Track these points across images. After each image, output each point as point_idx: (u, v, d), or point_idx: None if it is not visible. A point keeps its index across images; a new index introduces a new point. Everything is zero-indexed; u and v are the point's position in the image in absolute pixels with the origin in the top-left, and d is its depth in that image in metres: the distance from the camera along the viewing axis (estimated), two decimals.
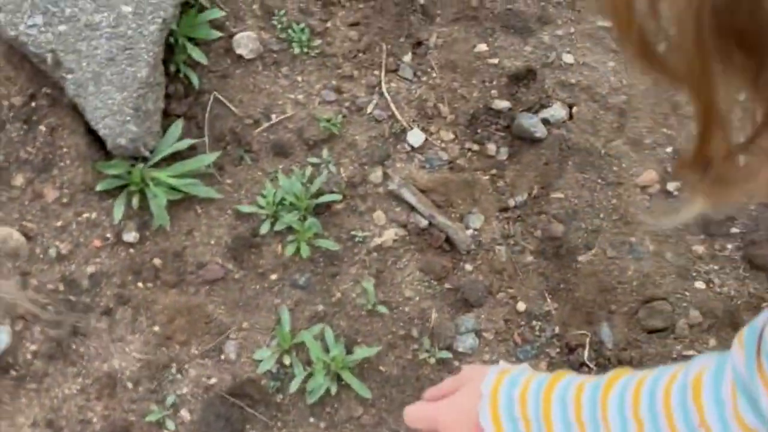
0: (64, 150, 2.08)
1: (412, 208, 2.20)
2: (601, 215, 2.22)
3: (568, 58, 2.40)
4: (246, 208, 2.13)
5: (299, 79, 2.31)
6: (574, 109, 2.33)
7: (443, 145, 2.29)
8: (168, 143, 2.12)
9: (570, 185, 2.25)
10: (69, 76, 2.03)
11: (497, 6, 2.45)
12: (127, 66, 2.05)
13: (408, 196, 2.20)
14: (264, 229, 2.12)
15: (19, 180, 2.04)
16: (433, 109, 2.32)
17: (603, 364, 2.07)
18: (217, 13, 2.25)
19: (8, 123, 2.07)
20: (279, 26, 2.33)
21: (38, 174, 2.05)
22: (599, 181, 2.25)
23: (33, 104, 2.10)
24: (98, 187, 2.06)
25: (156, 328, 1.99)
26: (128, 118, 2.03)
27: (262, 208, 2.14)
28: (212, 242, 2.10)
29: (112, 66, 2.04)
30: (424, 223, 2.18)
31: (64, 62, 2.03)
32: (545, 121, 2.30)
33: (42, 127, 2.08)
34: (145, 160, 2.09)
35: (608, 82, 2.36)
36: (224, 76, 2.26)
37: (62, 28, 2.04)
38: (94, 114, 2.03)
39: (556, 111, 2.32)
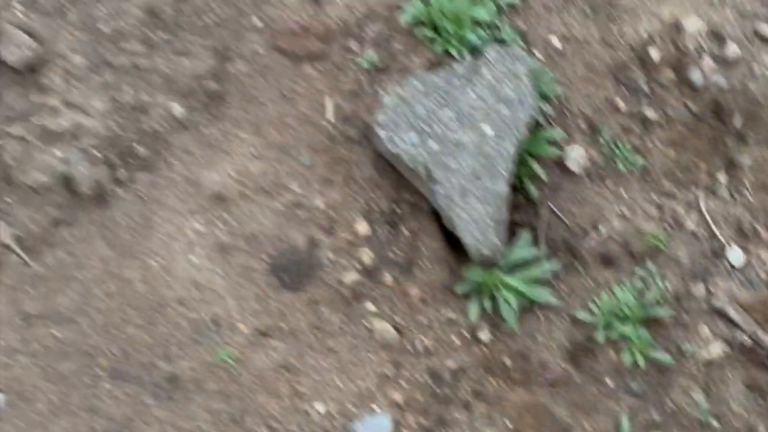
0: (425, 252, 2.32)
1: (735, 325, 2.33)
2: None
3: None
4: (582, 315, 2.32)
5: (623, 193, 2.49)
6: None
7: (763, 265, 2.42)
8: (516, 251, 2.33)
9: None
10: (439, 188, 2.27)
11: None
12: (488, 182, 2.28)
13: (731, 313, 2.34)
14: (599, 336, 2.29)
15: (388, 278, 2.29)
16: (751, 228, 2.46)
17: None
18: (554, 132, 2.47)
19: (377, 226, 2.33)
20: (604, 143, 2.53)
21: (403, 273, 2.30)
22: None
23: (398, 210, 2.35)
24: (457, 289, 2.29)
25: (508, 423, 2.19)
26: (490, 229, 2.25)
27: (596, 316, 2.32)
28: (553, 345, 2.29)
29: (476, 181, 2.28)
30: (747, 340, 2.31)
31: (435, 175, 2.27)
32: None
33: (406, 231, 2.34)
34: (496, 265, 2.31)
35: None
36: (556, 189, 2.47)
37: (434, 145, 2.30)
38: (460, 223, 2.26)
39: None
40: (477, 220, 2.26)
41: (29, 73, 2.25)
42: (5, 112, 2.21)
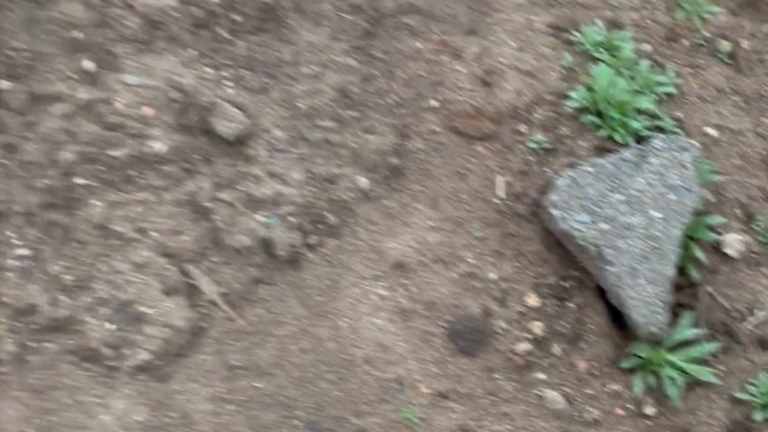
0: (591, 327, 2.46)
1: None
2: None
3: None
4: (740, 395, 2.42)
5: None
6: None
7: None
8: (679, 331, 2.46)
9: None
10: (609, 268, 2.42)
11: None
12: (656, 263, 2.42)
13: None
14: (757, 416, 2.39)
15: (557, 349, 2.43)
16: None
17: None
18: (715, 219, 2.60)
19: (546, 299, 2.48)
20: (759, 230, 2.65)
21: (571, 345, 2.44)
22: None
23: (565, 285, 2.50)
24: (622, 364, 2.42)
25: None
26: (659, 309, 2.38)
27: (754, 396, 2.42)
28: (713, 422, 2.40)
29: (645, 263, 2.42)
30: None
31: (605, 255, 2.42)
32: None
33: (572, 305, 2.48)
34: (660, 343, 2.43)
35: None
36: (714, 272, 2.59)
37: (604, 226, 2.45)
38: (629, 302, 2.40)
39: None
40: (646, 299, 2.39)
41: (237, 144, 2.49)
42: (216, 179, 2.43)
